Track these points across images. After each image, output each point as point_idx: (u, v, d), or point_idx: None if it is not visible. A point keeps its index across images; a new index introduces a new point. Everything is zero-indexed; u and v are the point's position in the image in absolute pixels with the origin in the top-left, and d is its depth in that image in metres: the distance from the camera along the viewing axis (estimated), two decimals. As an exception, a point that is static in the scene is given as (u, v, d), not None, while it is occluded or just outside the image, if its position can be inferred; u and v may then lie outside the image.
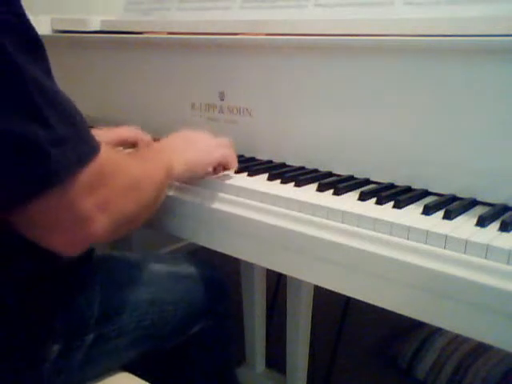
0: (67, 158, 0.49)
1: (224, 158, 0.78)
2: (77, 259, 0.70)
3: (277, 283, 1.47)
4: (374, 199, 0.69)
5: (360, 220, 0.64)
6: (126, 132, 0.96)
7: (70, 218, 0.51)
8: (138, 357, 0.79)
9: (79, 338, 0.68)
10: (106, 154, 0.53)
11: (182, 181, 0.79)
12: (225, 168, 0.80)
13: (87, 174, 0.51)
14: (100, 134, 0.58)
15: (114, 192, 0.54)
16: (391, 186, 0.76)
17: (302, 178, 0.78)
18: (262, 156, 0.91)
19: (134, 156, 0.65)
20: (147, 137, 0.96)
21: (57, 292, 0.67)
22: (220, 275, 0.91)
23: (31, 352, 0.64)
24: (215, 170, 0.80)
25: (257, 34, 0.90)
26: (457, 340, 1.44)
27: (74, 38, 1.15)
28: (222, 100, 0.94)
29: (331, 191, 0.73)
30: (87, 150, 0.51)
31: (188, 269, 0.86)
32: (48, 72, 0.51)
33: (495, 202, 0.68)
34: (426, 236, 0.59)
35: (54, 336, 0.65)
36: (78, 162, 0.50)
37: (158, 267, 0.83)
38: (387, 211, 0.66)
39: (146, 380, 0.75)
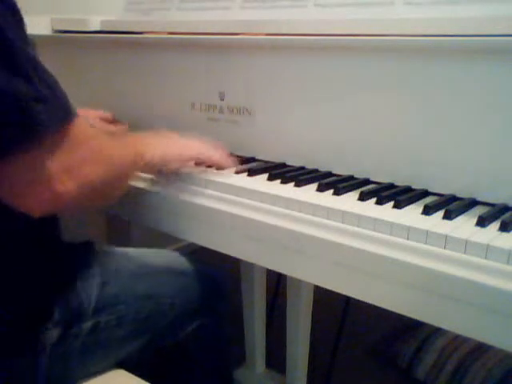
0: (48, 116, 0.52)
1: (201, 154, 0.81)
2: (76, 249, 0.74)
3: (277, 283, 1.47)
4: (374, 199, 0.69)
5: (360, 220, 0.64)
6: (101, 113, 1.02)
7: (39, 177, 0.54)
8: (135, 353, 0.79)
9: (77, 324, 0.70)
10: (81, 123, 0.57)
11: (154, 170, 0.81)
12: (217, 168, 0.82)
13: (62, 136, 0.54)
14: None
15: (83, 159, 0.58)
16: (391, 186, 0.76)
17: (302, 178, 0.78)
18: (262, 156, 0.91)
19: (108, 135, 0.68)
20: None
21: (55, 278, 0.69)
22: (218, 274, 0.91)
23: (31, 336, 0.65)
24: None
25: (257, 34, 0.90)
26: (457, 340, 1.44)
27: (73, 38, 1.15)
28: (222, 100, 0.94)
29: (331, 191, 0.73)
30: (66, 113, 0.55)
31: (186, 265, 0.87)
32: (26, 41, 0.54)
33: (495, 202, 0.68)
34: (426, 236, 0.59)
35: (53, 321, 0.67)
36: (58, 121, 0.54)
37: (156, 262, 0.84)
38: (387, 211, 0.66)
39: (142, 377, 0.75)
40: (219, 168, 0.82)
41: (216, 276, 0.90)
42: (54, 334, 0.67)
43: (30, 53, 0.53)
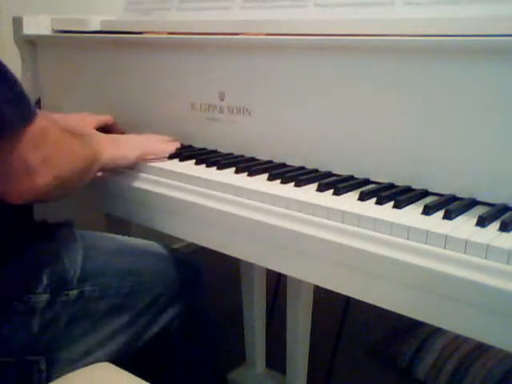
0: (14, 114, 0.59)
1: (142, 158, 0.90)
2: (59, 225, 0.81)
3: (277, 283, 1.47)
4: (374, 199, 0.69)
5: (360, 220, 0.64)
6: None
7: (20, 169, 0.61)
8: (121, 341, 0.81)
9: (64, 292, 0.74)
10: (44, 119, 0.63)
11: (105, 169, 0.87)
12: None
13: (31, 131, 0.61)
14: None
15: (54, 151, 0.65)
16: (391, 185, 0.76)
17: (302, 177, 0.78)
18: (262, 156, 0.91)
19: (69, 130, 0.74)
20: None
21: (41, 247, 0.75)
22: (197, 263, 0.95)
23: (22, 299, 0.70)
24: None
25: (257, 34, 0.90)
26: (457, 340, 1.44)
27: (73, 38, 1.15)
28: (222, 100, 0.94)
29: (331, 191, 0.73)
30: (29, 111, 0.61)
31: (166, 251, 0.91)
32: None
33: (495, 202, 0.68)
34: (426, 236, 0.59)
35: (42, 286, 0.72)
36: (23, 118, 0.60)
37: (136, 244, 0.90)
38: (387, 211, 0.66)
39: (127, 370, 0.76)
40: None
41: (194, 265, 0.94)
42: (43, 298, 0.71)
43: None
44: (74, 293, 0.75)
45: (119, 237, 0.90)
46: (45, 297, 0.72)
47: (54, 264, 0.74)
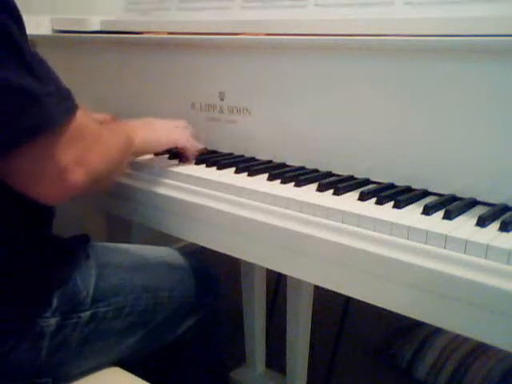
0: (57, 109, 0.57)
1: (175, 143, 0.88)
2: (73, 241, 0.77)
3: (277, 283, 1.47)
4: (374, 199, 0.69)
5: (360, 220, 0.64)
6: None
7: (53, 167, 0.58)
8: (133, 349, 0.80)
9: (75, 314, 0.71)
10: (82, 114, 0.61)
11: (137, 155, 0.87)
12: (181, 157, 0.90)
13: (69, 127, 0.58)
14: None
15: (90, 148, 0.62)
16: (391, 185, 0.76)
17: (302, 177, 0.78)
18: (262, 156, 0.91)
19: (99, 123, 0.72)
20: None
21: (53, 269, 0.71)
22: (213, 271, 0.92)
23: (30, 323, 0.67)
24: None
25: (257, 34, 0.90)
26: (457, 340, 1.44)
27: (73, 38, 1.15)
28: (222, 100, 0.94)
29: (331, 191, 0.73)
30: (71, 105, 0.60)
31: (182, 261, 0.88)
32: (28, 43, 0.58)
33: (495, 202, 0.68)
34: (426, 236, 0.59)
35: (52, 309, 0.69)
36: (66, 113, 0.58)
37: (152, 256, 0.86)
38: (387, 211, 0.66)
39: (138, 375, 0.75)
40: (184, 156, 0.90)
41: (211, 273, 0.91)
42: (52, 322, 0.68)
43: (34, 52, 0.57)
44: (86, 314, 0.72)
45: (133, 248, 0.86)
46: (54, 320, 0.69)
47: (65, 285, 0.71)
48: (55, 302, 0.69)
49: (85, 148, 0.61)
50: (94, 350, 0.74)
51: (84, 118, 0.61)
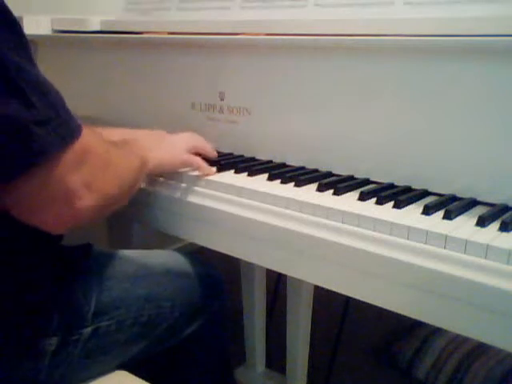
0: (50, 137, 0.51)
1: (188, 162, 0.82)
2: (75, 254, 0.73)
3: (277, 283, 1.47)
4: (374, 199, 0.69)
5: (360, 220, 0.64)
6: None
7: (59, 194, 0.54)
8: (136, 356, 0.79)
9: (77, 330, 0.69)
10: (88, 136, 0.56)
11: (153, 175, 0.84)
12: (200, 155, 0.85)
13: (72, 152, 0.53)
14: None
15: (97, 171, 0.57)
16: (391, 185, 0.76)
17: (302, 178, 0.78)
18: (262, 156, 0.91)
19: (113, 142, 0.66)
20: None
21: (53, 285, 0.68)
22: (216, 272, 0.91)
23: (30, 344, 0.65)
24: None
25: (257, 34, 0.90)
26: (457, 340, 1.44)
27: (73, 38, 1.15)
28: (222, 100, 0.94)
29: (331, 191, 0.73)
30: (70, 130, 0.54)
31: (185, 266, 0.86)
32: (29, 58, 0.53)
33: (495, 202, 0.68)
34: (426, 236, 0.59)
35: (52, 328, 0.67)
36: (62, 140, 0.52)
37: (154, 264, 0.84)
38: (387, 211, 0.66)
39: (143, 378, 0.75)
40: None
41: (214, 275, 0.90)
42: (53, 341, 0.67)
43: (30, 72, 0.52)
44: (88, 330, 0.70)
45: (136, 254, 0.85)
46: (55, 339, 0.67)
47: (67, 303, 0.69)
48: (56, 321, 0.67)
49: (92, 171, 0.56)
50: (96, 362, 0.73)
51: (90, 139, 0.57)
